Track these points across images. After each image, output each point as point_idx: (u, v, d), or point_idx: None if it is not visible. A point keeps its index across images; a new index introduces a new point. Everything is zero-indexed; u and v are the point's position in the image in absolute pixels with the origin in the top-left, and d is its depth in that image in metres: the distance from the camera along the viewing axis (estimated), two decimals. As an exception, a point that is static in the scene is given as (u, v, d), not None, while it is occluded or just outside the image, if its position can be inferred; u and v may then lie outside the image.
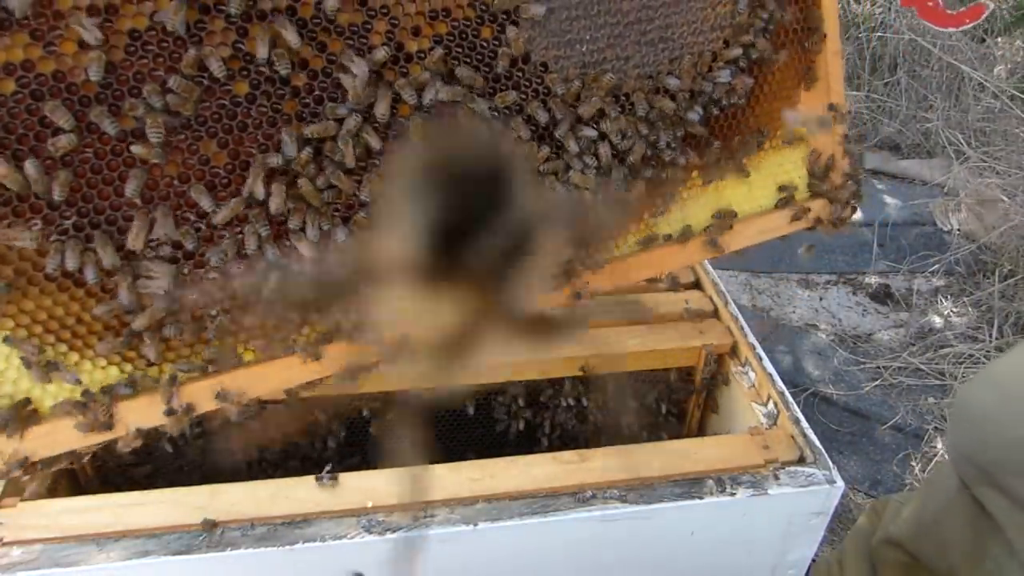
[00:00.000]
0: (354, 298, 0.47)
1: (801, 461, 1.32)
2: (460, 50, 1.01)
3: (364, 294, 0.45)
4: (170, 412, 0.97)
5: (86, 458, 1.12)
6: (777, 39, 1.23)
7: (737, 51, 1.17)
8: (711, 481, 1.27)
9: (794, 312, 3.47)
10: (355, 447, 1.75)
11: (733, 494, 1.25)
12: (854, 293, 3.60)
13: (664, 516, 1.24)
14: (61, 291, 0.90)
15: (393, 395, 1.67)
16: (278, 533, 1.16)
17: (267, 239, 0.95)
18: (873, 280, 3.65)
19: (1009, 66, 4.66)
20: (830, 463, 1.31)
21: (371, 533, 1.16)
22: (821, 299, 3.56)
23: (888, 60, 4.75)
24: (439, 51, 0.98)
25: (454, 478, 1.24)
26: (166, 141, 0.88)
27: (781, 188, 1.31)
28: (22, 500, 1.20)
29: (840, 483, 1.27)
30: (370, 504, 1.20)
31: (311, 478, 1.22)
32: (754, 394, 1.54)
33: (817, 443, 1.35)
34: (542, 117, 1.06)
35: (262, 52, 0.88)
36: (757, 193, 1.31)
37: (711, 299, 1.77)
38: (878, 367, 3.09)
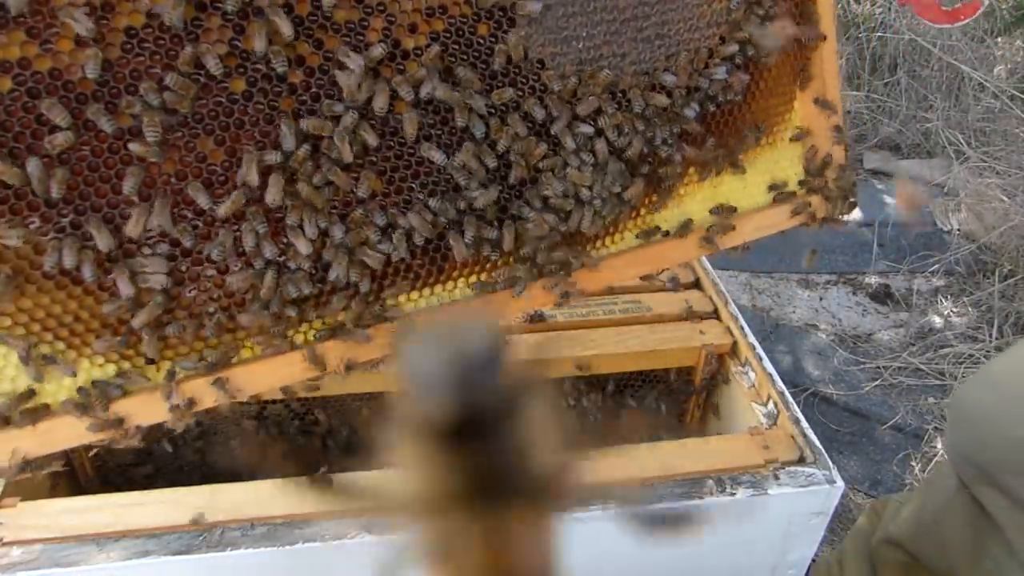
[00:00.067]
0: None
1: (801, 461, 1.32)
2: (457, 47, 1.01)
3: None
4: (173, 408, 0.97)
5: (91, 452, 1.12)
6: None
7: (733, 47, 1.17)
8: (711, 481, 1.27)
9: (794, 312, 3.47)
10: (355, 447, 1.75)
11: (733, 494, 1.25)
12: (854, 293, 3.60)
13: (664, 516, 1.24)
14: (59, 289, 0.90)
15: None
16: (278, 533, 1.16)
17: (264, 236, 0.95)
18: (873, 280, 3.65)
19: (1009, 66, 4.66)
20: (830, 463, 1.31)
21: (371, 533, 1.16)
22: (821, 299, 3.56)
23: (888, 60, 4.75)
24: (436, 48, 0.98)
25: (454, 478, 1.24)
26: (163, 139, 0.88)
27: (772, 186, 1.31)
28: (22, 500, 1.20)
29: (840, 483, 1.27)
30: (370, 504, 1.20)
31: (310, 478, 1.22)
32: (754, 394, 1.54)
33: (817, 443, 1.35)
34: (539, 114, 1.06)
35: (260, 46, 0.88)
36: (753, 189, 1.31)
37: (711, 299, 1.77)
38: (878, 367, 3.09)
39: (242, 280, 0.96)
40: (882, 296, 3.56)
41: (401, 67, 0.98)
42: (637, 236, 1.23)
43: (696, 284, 1.84)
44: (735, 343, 1.65)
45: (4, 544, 1.13)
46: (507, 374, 0.45)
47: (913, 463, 2.67)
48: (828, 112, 1.31)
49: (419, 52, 0.99)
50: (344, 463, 1.67)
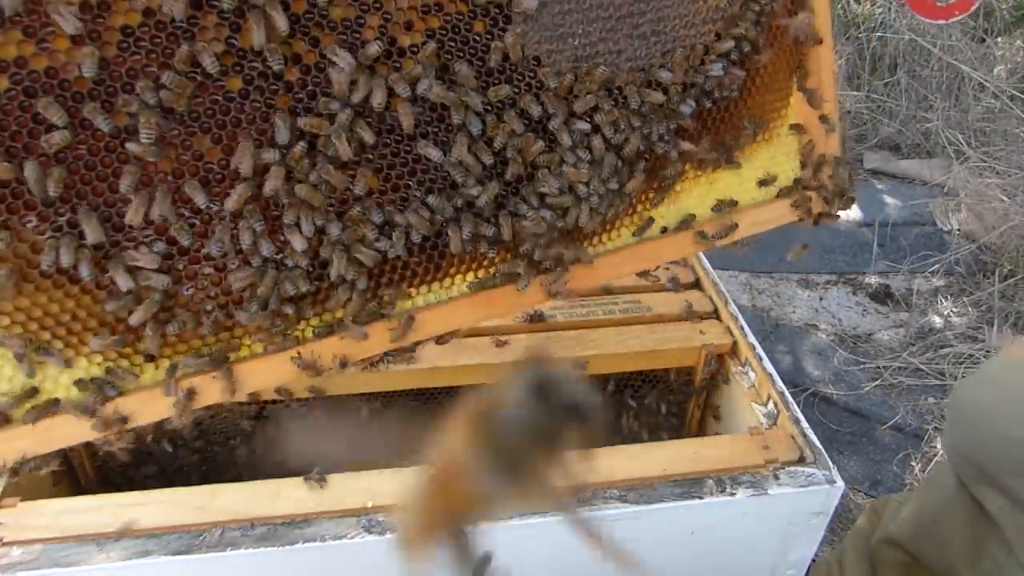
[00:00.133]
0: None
1: (801, 461, 1.32)
2: (453, 44, 1.01)
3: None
4: (175, 404, 0.98)
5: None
6: (770, 32, 1.23)
7: (729, 44, 1.17)
8: (711, 481, 1.27)
9: (794, 312, 3.47)
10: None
11: (733, 494, 1.25)
12: (854, 293, 3.60)
13: (664, 516, 1.24)
14: (56, 288, 0.90)
15: (392, 396, 1.67)
16: (278, 533, 1.16)
17: (262, 234, 0.95)
18: (873, 280, 3.66)
19: (1009, 66, 4.66)
20: (830, 463, 1.31)
21: (371, 533, 1.16)
22: (821, 299, 3.56)
23: (888, 60, 4.76)
24: (432, 45, 0.98)
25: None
26: (160, 137, 0.88)
27: (762, 181, 1.31)
28: (22, 500, 1.20)
29: (840, 483, 1.27)
30: (370, 504, 1.20)
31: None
32: (754, 394, 1.54)
33: (817, 443, 1.35)
34: (535, 111, 1.06)
35: (258, 40, 0.88)
36: (749, 185, 1.31)
37: (711, 299, 1.77)
38: (878, 367, 3.09)
39: (240, 278, 0.96)
40: (882, 296, 3.56)
41: (397, 65, 0.98)
42: (634, 233, 1.23)
43: (696, 284, 1.84)
44: (735, 343, 1.65)
45: (4, 544, 1.13)
46: (575, 399, 0.63)
47: (913, 463, 2.67)
48: (819, 103, 1.30)
49: (415, 49, 0.99)
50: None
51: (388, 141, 1.01)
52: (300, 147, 0.94)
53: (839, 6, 4.88)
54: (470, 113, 1.02)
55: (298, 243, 0.97)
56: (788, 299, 3.56)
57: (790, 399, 1.45)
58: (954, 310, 3.39)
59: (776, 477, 1.28)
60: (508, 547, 1.23)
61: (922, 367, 3.07)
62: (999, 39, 4.72)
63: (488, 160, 1.05)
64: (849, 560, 1.41)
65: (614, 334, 1.65)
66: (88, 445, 1.56)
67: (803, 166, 1.35)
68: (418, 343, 1.12)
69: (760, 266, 3.69)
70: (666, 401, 1.79)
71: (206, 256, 0.96)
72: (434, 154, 1.01)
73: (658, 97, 1.14)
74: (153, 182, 0.91)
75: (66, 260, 0.88)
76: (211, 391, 1.00)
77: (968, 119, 4.40)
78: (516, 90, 1.06)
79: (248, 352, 1.03)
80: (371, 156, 1.00)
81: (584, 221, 1.13)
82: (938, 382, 3.01)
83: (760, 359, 1.57)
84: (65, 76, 0.84)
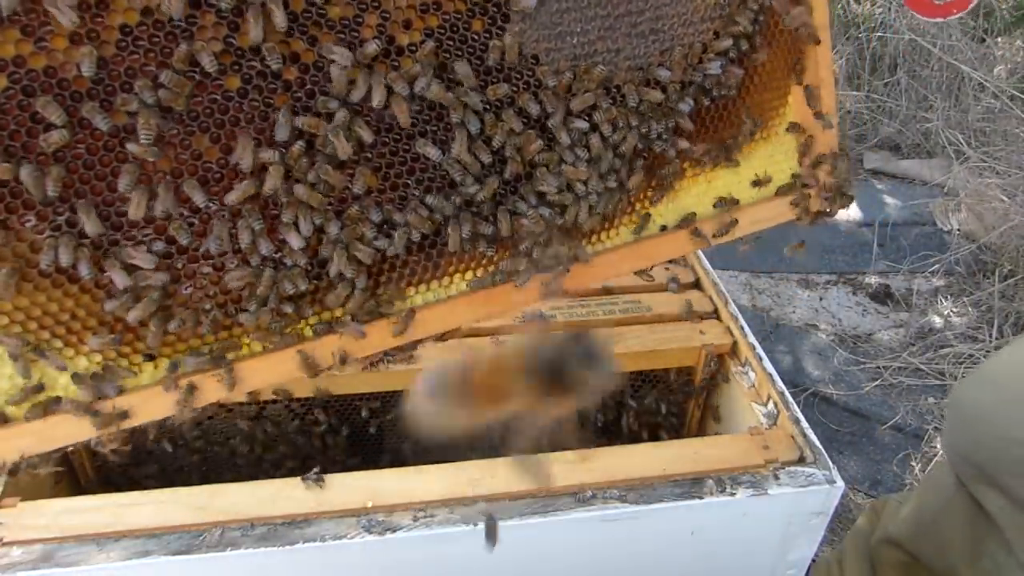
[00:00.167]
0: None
1: (801, 461, 1.32)
2: (451, 43, 1.01)
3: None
4: (177, 402, 0.98)
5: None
6: (767, 30, 1.23)
7: (727, 42, 1.17)
8: (711, 481, 1.27)
9: (794, 312, 3.47)
10: (356, 447, 1.76)
11: (733, 494, 1.25)
12: (854, 293, 3.60)
13: (664, 516, 1.24)
14: (55, 287, 0.90)
15: (392, 395, 1.67)
16: (278, 533, 1.16)
17: (260, 233, 0.96)
18: (873, 280, 3.66)
19: (1009, 66, 4.66)
20: (830, 463, 1.31)
21: (371, 533, 1.16)
22: (821, 299, 3.56)
23: (888, 60, 4.76)
24: (430, 44, 0.98)
25: (454, 478, 1.25)
26: (159, 136, 0.88)
27: (755, 182, 1.31)
28: (22, 500, 1.20)
29: (840, 483, 1.27)
30: (370, 504, 1.20)
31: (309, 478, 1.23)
32: (754, 394, 1.54)
33: (817, 443, 1.35)
34: (533, 109, 1.06)
35: (255, 34, 0.88)
36: (748, 184, 1.31)
37: (711, 299, 1.77)
38: (878, 367, 3.09)
39: (237, 277, 0.96)
40: (882, 296, 3.56)
41: (396, 63, 0.99)
42: (633, 231, 1.23)
43: (696, 284, 1.85)
44: (735, 343, 1.65)
45: (4, 544, 1.13)
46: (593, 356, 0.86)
47: (913, 463, 2.67)
48: (817, 101, 1.30)
49: (414, 48, 0.99)
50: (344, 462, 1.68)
51: (387, 140, 1.01)
52: (298, 146, 0.94)
53: (839, 6, 4.89)
54: (468, 112, 1.02)
55: (296, 241, 0.97)
56: (788, 299, 3.56)
57: (790, 399, 1.45)
58: (954, 310, 3.39)
59: (776, 477, 1.28)
60: (508, 547, 1.23)
61: (922, 367, 3.07)
62: (999, 39, 4.72)
63: (487, 159, 1.05)
64: (849, 560, 1.41)
65: (614, 334, 1.65)
66: (88, 445, 1.56)
67: (801, 163, 1.35)
68: (419, 342, 1.12)
69: (760, 266, 3.69)
70: (666, 401, 1.79)
71: (204, 255, 0.96)
72: (433, 153, 1.02)
73: (656, 95, 1.14)
74: (152, 181, 0.91)
75: (65, 259, 0.88)
76: (211, 389, 1.00)
77: (968, 119, 4.40)
78: (514, 89, 1.06)
79: (247, 351, 1.03)
80: (370, 155, 1.00)
81: (583, 218, 1.13)
82: (938, 382, 3.01)
83: (760, 359, 1.57)
84: (64, 75, 0.84)
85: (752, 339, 1.64)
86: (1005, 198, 3.69)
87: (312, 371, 1.05)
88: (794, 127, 1.32)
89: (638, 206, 1.23)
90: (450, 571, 1.24)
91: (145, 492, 1.21)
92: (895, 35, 4.65)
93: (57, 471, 1.50)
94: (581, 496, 1.23)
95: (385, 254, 1.04)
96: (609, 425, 1.81)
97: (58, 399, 0.94)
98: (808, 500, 1.28)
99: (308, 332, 1.05)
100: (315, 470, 1.23)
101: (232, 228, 0.95)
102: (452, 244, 1.06)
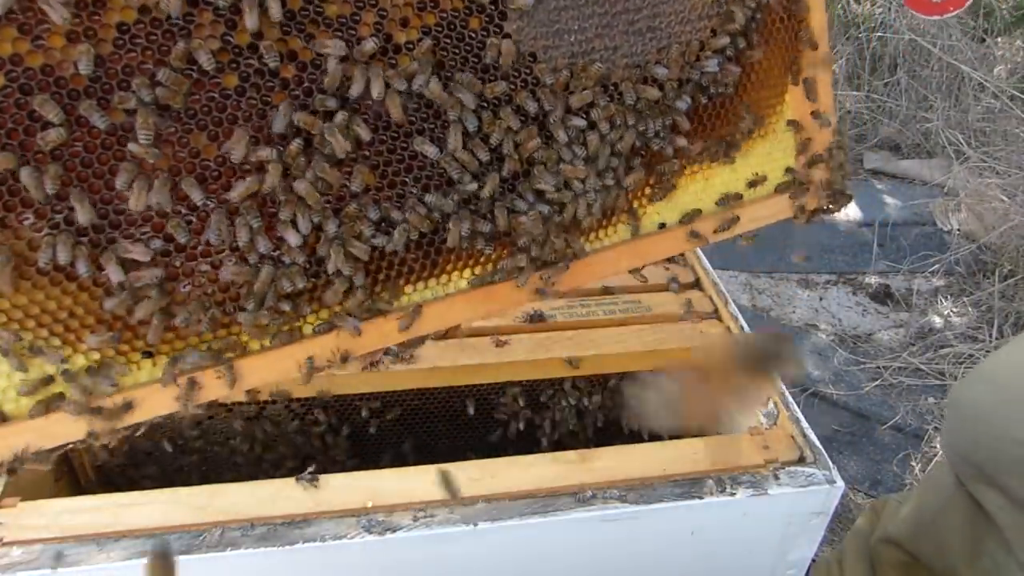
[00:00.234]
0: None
1: (801, 461, 1.32)
2: (449, 41, 1.01)
3: None
4: (178, 397, 0.98)
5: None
6: (765, 27, 1.23)
7: (724, 40, 1.18)
8: (711, 481, 1.27)
9: (794, 312, 3.47)
10: (355, 447, 1.76)
11: (733, 494, 1.25)
12: (854, 293, 3.60)
13: (664, 516, 1.24)
14: (54, 285, 0.90)
15: (392, 395, 1.67)
16: (278, 533, 1.16)
17: (259, 231, 0.96)
18: (873, 280, 3.66)
19: (1009, 66, 4.66)
20: (830, 463, 1.31)
21: (371, 533, 1.16)
22: (821, 299, 3.56)
23: (888, 60, 4.76)
24: (427, 42, 0.99)
25: (454, 478, 1.24)
26: (157, 135, 0.88)
27: (751, 182, 1.31)
28: (22, 500, 1.20)
29: (840, 483, 1.27)
30: (370, 504, 1.20)
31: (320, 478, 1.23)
32: (754, 394, 1.54)
33: (817, 443, 1.35)
34: (531, 107, 1.06)
35: (252, 23, 0.88)
36: (745, 182, 1.31)
37: (711, 299, 1.77)
38: (878, 367, 3.09)
39: (236, 272, 0.96)
40: (882, 296, 3.56)
41: (393, 61, 0.99)
42: (631, 229, 1.23)
43: (696, 284, 1.85)
44: (735, 343, 1.65)
45: (4, 544, 1.13)
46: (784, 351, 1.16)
47: (913, 463, 2.67)
48: (815, 94, 1.30)
49: (411, 46, 0.99)
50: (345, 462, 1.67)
51: (384, 138, 1.01)
52: (296, 144, 0.94)
53: (839, 6, 4.89)
54: (466, 110, 1.02)
55: (294, 239, 0.97)
56: (788, 299, 3.56)
57: (790, 399, 1.45)
58: (954, 310, 3.39)
59: (776, 477, 1.28)
60: (508, 547, 1.23)
61: (922, 367, 3.07)
62: (999, 39, 4.72)
63: (484, 157, 1.05)
64: (849, 560, 1.41)
65: (614, 334, 1.65)
66: (88, 445, 1.56)
67: (799, 161, 1.35)
68: (422, 339, 1.12)
69: (760, 266, 3.69)
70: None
71: (203, 253, 0.96)
72: (430, 151, 1.02)
73: (654, 93, 1.15)
74: (151, 177, 0.91)
75: (63, 257, 0.88)
76: (211, 387, 1.00)
77: (968, 119, 4.40)
78: (512, 86, 1.06)
79: (253, 348, 1.03)
80: (368, 153, 1.00)
81: (581, 215, 1.14)
82: (938, 382, 3.01)
83: (760, 359, 1.57)
84: (61, 73, 0.84)
85: (752, 339, 1.64)
86: (1005, 198, 3.69)
87: (308, 378, 1.05)
88: (792, 125, 1.32)
89: (636, 204, 1.23)
90: (450, 571, 1.24)
91: (145, 492, 1.21)
92: (895, 35, 4.65)
93: (57, 469, 1.50)
94: (581, 496, 1.23)
95: (383, 251, 1.04)
96: (609, 425, 1.82)
97: (61, 396, 0.94)
98: (808, 500, 1.28)
99: (308, 330, 1.05)
100: (309, 470, 1.23)
101: (231, 223, 0.95)
102: (451, 240, 1.06)
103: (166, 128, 0.90)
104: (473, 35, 1.03)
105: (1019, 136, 4.04)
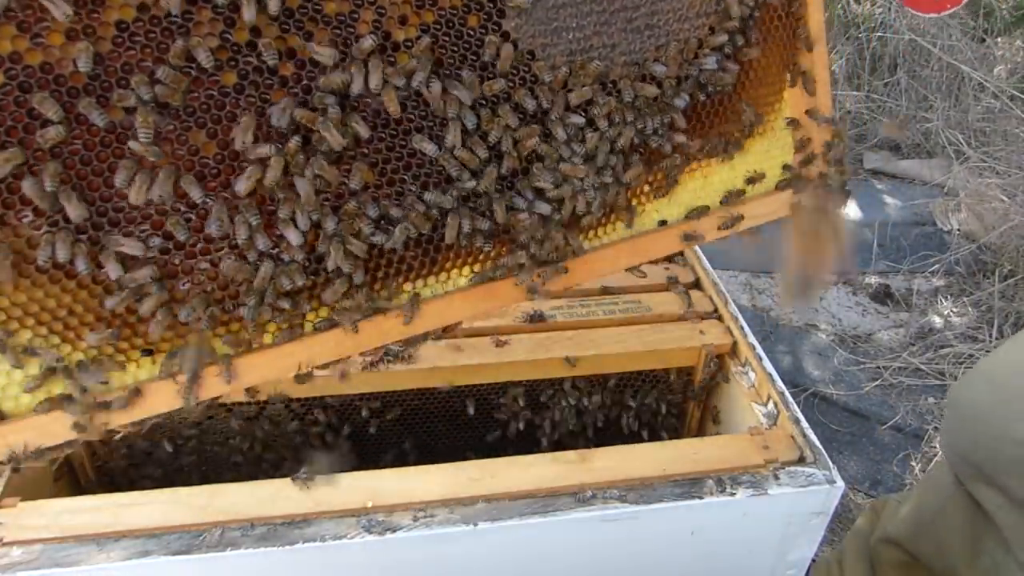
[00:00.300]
0: None
1: (801, 461, 1.32)
2: (447, 39, 1.01)
3: None
4: (181, 392, 0.98)
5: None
6: (763, 25, 1.23)
7: (722, 38, 1.18)
8: (711, 481, 1.27)
9: (794, 312, 3.47)
10: (355, 447, 1.75)
11: (733, 494, 1.25)
12: (854, 293, 3.60)
13: (664, 516, 1.24)
14: (53, 283, 0.90)
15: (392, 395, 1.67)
16: (278, 533, 1.16)
17: (257, 228, 0.96)
18: (873, 280, 3.65)
19: (1009, 66, 4.66)
20: (830, 463, 1.31)
21: (371, 533, 1.16)
22: (821, 299, 3.56)
23: (888, 60, 4.76)
24: (426, 40, 0.99)
25: (454, 478, 1.25)
26: (156, 132, 0.88)
27: (750, 179, 1.31)
28: (22, 500, 1.20)
29: (840, 483, 1.27)
30: (370, 504, 1.20)
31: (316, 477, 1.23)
32: (754, 394, 1.54)
33: (817, 443, 1.35)
34: (530, 105, 1.07)
35: (249, 16, 0.88)
36: (744, 179, 1.31)
37: (711, 299, 1.77)
38: (878, 367, 3.09)
39: (236, 268, 0.96)
40: (882, 296, 3.56)
41: (392, 59, 0.99)
42: (628, 226, 1.23)
43: (696, 284, 1.85)
44: (735, 343, 1.65)
45: (4, 544, 1.13)
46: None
47: (913, 463, 2.67)
48: (811, 84, 1.30)
49: (409, 44, 0.99)
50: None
51: (383, 136, 1.01)
52: (295, 141, 0.94)
53: (839, 6, 4.89)
54: (464, 107, 1.02)
55: (294, 238, 0.97)
56: (788, 299, 3.56)
57: (790, 399, 1.45)
58: (954, 310, 3.39)
59: (776, 477, 1.28)
60: (508, 547, 1.23)
61: (922, 367, 3.07)
62: (999, 39, 4.72)
63: (483, 154, 1.05)
64: (849, 560, 1.41)
65: (614, 334, 1.65)
66: (88, 445, 1.56)
67: (797, 159, 1.36)
68: (426, 335, 1.12)
69: (760, 266, 3.69)
70: (666, 401, 1.79)
71: (202, 251, 0.96)
72: (429, 148, 1.02)
73: (652, 90, 1.15)
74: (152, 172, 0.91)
75: (62, 255, 0.88)
76: (210, 385, 1.00)
77: (968, 119, 4.40)
78: (510, 84, 1.06)
79: (265, 340, 1.03)
80: (366, 151, 1.01)
81: (580, 212, 1.14)
82: (938, 382, 3.01)
83: (760, 359, 1.57)
84: (60, 71, 0.85)
85: (752, 339, 1.64)
86: (1005, 198, 3.69)
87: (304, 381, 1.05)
88: (791, 122, 1.32)
89: (635, 202, 1.23)
90: (450, 571, 1.24)
91: (145, 492, 1.21)
92: (895, 35, 4.65)
93: (57, 470, 1.50)
94: (581, 496, 1.23)
95: (383, 249, 1.04)
96: (609, 425, 1.81)
97: (68, 396, 0.94)
98: (808, 500, 1.28)
99: (308, 328, 1.05)
100: (303, 469, 1.23)
101: (231, 218, 0.95)
102: (449, 236, 1.06)
103: (165, 126, 0.90)
104: (472, 33, 1.03)
105: (1019, 136, 4.04)
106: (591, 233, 1.21)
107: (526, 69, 1.07)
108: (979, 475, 1.11)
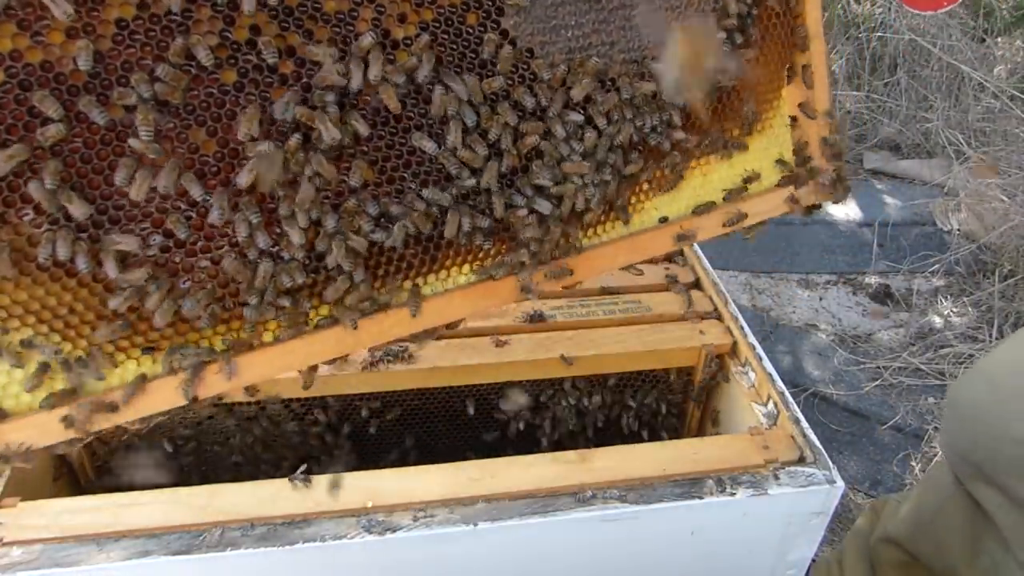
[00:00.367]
0: None
1: (801, 461, 1.32)
2: (446, 37, 1.02)
3: None
4: (182, 388, 0.98)
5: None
6: (761, 23, 1.23)
7: (720, 36, 1.18)
8: (711, 481, 1.27)
9: (794, 312, 3.47)
10: (355, 447, 1.76)
11: (733, 494, 1.25)
12: (854, 293, 3.60)
13: (664, 516, 1.24)
14: (53, 281, 0.90)
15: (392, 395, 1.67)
16: (278, 533, 1.16)
17: (258, 226, 0.96)
18: (873, 280, 3.65)
19: (1009, 66, 4.66)
20: (830, 463, 1.31)
21: (371, 533, 1.16)
22: (821, 299, 3.56)
23: (888, 60, 4.75)
24: (425, 38, 0.99)
25: (454, 478, 1.25)
26: (156, 130, 0.88)
27: (747, 179, 1.31)
28: (22, 500, 1.20)
29: (840, 483, 1.27)
30: (370, 504, 1.20)
31: (313, 478, 1.22)
32: (754, 394, 1.54)
33: (817, 443, 1.35)
34: (529, 103, 1.07)
35: (249, 7, 0.88)
36: (743, 177, 1.31)
37: (711, 299, 1.77)
38: (878, 367, 3.09)
39: (236, 269, 0.96)
40: (882, 296, 3.56)
41: (391, 57, 0.99)
42: (626, 225, 1.23)
43: (696, 284, 1.85)
44: (735, 343, 1.65)
45: (4, 544, 1.13)
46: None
47: (913, 463, 2.67)
48: (809, 78, 1.30)
49: (409, 42, 0.99)
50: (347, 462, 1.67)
51: (383, 133, 1.01)
52: (295, 139, 0.94)
53: (839, 6, 4.88)
54: (464, 105, 1.02)
55: (296, 237, 0.97)
56: (788, 299, 3.56)
57: (790, 399, 1.45)
58: (954, 310, 3.39)
59: (776, 477, 1.28)
60: (508, 547, 1.23)
61: (922, 367, 3.07)
62: (999, 39, 4.72)
63: (483, 152, 1.05)
64: (849, 560, 1.41)
65: (614, 334, 1.65)
66: (88, 445, 1.56)
67: (796, 156, 1.36)
68: (429, 331, 1.12)
69: (760, 266, 3.69)
70: (666, 401, 1.79)
71: (202, 249, 0.96)
72: (429, 146, 1.02)
73: (650, 88, 1.15)
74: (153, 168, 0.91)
75: (63, 253, 0.88)
76: (210, 382, 1.00)
77: (968, 119, 4.40)
78: (509, 82, 1.06)
79: (267, 338, 1.03)
80: (366, 148, 1.01)
81: (580, 208, 1.14)
82: (938, 382, 3.01)
83: (760, 359, 1.57)
84: (60, 69, 0.85)
85: (752, 339, 1.64)
86: (1005, 198, 3.69)
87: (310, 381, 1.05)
88: (789, 120, 1.32)
89: (635, 199, 1.23)
90: (450, 571, 1.24)
91: (145, 492, 1.21)
92: (895, 35, 4.65)
93: (56, 470, 1.50)
94: (581, 496, 1.23)
95: (383, 247, 1.04)
96: (609, 425, 1.81)
97: (72, 391, 0.94)
98: (808, 500, 1.28)
99: (309, 326, 1.05)
100: (301, 469, 1.23)
101: (231, 215, 0.95)
102: (449, 232, 1.06)
103: (166, 124, 0.90)
104: (471, 31, 1.03)
105: (1019, 136, 4.04)
106: (590, 231, 1.21)
107: (525, 67, 1.07)
108: (978, 474, 1.11)
